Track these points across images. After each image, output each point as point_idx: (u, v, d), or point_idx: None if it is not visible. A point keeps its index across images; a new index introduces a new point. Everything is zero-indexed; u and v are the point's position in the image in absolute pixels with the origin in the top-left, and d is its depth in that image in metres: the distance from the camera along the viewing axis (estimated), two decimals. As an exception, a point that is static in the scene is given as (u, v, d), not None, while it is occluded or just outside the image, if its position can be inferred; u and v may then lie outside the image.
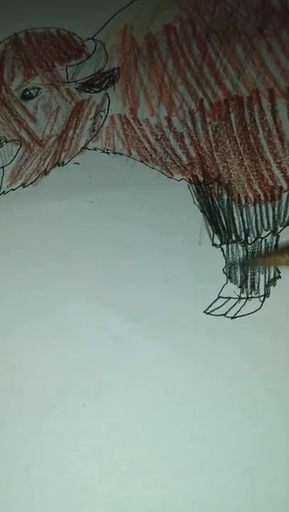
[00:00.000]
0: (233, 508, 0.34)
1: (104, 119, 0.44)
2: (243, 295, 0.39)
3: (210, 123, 0.44)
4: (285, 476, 0.34)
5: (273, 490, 0.34)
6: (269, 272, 0.40)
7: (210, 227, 0.42)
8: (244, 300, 0.39)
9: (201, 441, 0.35)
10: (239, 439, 0.35)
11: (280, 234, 0.41)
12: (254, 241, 0.41)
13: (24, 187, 0.44)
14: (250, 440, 0.35)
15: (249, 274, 0.40)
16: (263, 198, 0.42)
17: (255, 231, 0.41)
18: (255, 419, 0.35)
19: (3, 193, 0.44)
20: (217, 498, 0.34)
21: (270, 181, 0.42)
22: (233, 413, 0.36)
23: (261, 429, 0.35)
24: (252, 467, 0.34)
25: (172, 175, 0.44)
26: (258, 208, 0.42)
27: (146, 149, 0.44)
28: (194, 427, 0.35)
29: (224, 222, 0.42)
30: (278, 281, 0.40)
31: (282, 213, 0.42)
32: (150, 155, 0.44)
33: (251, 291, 0.39)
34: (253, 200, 0.42)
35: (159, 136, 0.44)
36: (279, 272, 0.40)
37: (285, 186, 0.42)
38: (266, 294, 0.39)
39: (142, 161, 0.44)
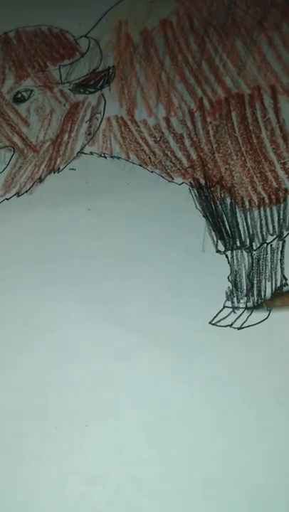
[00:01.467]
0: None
1: (101, 122, 0.43)
2: (250, 304, 0.38)
3: (210, 123, 0.42)
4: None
5: (283, 507, 0.33)
6: (276, 280, 0.39)
7: (213, 233, 0.40)
8: (250, 309, 0.38)
9: (209, 458, 0.34)
10: (249, 455, 0.34)
11: (285, 239, 0.40)
12: (259, 246, 0.40)
13: (19, 196, 0.42)
14: (261, 456, 0.34)
15: (255, 282, 0.38)
16: (267, 201, 0.41)
17: (260, 236, 0.40)
18: (265, 434, 0.34)
19: (-3, 202, 0.42)
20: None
21: (274, 183, 0.41)
22: (242, 428, 0.34)
23: (272, 444, 0.34)
24: (263, 484, 0.33)
25: (172, 178, 0.42)
26: (262, 211, 0.41)
27: (144, 152, 0.42)
28: (202, 444, 0.34)
29: (228, 228, 0.40)
30: (285, 288, 0.38)
31: (288, 216, 0.40)
32: (149, 158, 0.42)
33: (258, 300, 0.38)
34: (257, 203, 0.41)
35: (158, 138, 0.42)
36: (286, 280, 0.39)
37: (290, 188, 0.41)
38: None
39: (140, 165, 0.42)
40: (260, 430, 0.34)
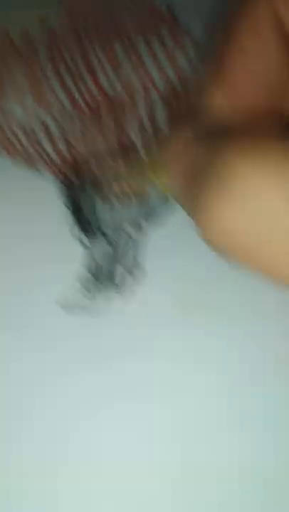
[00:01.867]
0: None
1: None
2: (101, 288, 0.40)
3: (82, 121, 0.44)
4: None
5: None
6: (127, 264, 0.41)
7: (75, 224, 0.42)
8: (100, 294, 0.40)
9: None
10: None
11: (144, 231, 0.42)
12: (118, 237, 0.42)
13: None
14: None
15: (109, 269, 0.41)
16: (130, 198, 0.43)
17: (121, 228, 0.42)
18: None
19: None
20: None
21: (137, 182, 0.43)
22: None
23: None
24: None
25: (41, 171, 0.44)
26: (124, 206, 0.43)
27: (16, 148, 0.44)
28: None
29: (90, 219, 0.42)
30: (136, 273, 0.40)
31: (148, 213, 0.43)
32: (20, 154, 0.44)
33: (109, 285, 0.40)
34: (119, 198, 0.43)
35: (30, 136, 0.44)
36: (140, 266, 0.41)
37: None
38: (123, 288, 0.40)
39: (9, 158, 0.44)
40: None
